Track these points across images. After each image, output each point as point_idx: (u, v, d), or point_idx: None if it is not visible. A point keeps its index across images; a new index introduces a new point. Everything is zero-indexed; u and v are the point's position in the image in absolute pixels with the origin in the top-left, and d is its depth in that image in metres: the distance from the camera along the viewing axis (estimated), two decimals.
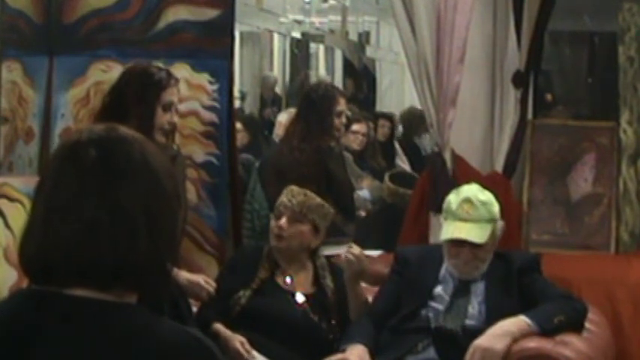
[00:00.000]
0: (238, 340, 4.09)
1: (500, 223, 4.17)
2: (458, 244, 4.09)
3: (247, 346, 4.09)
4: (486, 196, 4.17)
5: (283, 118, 7.86)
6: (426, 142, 9.30)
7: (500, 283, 4.12)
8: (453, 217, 4.11)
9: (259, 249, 4.46)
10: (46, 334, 1.68)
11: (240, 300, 4.25)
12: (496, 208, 4.15)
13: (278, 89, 13.17)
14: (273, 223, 4.36)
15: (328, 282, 4.34)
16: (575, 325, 4.04)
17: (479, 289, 4.13)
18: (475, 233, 4.07)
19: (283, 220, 4.30)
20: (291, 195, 4.37)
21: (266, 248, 4.40)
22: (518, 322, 3.93)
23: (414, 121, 9.19)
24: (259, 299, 4.24)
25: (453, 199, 4.16)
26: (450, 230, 4.11)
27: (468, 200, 4.12)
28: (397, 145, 9.07)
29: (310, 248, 4.37)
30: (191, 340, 1.71)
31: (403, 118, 9.77)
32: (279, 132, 7.65)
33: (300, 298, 4.28)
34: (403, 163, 8.75)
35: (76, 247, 1.68)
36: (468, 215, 4.09)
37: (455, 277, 4.15)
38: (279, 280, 4.32)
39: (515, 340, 3.89)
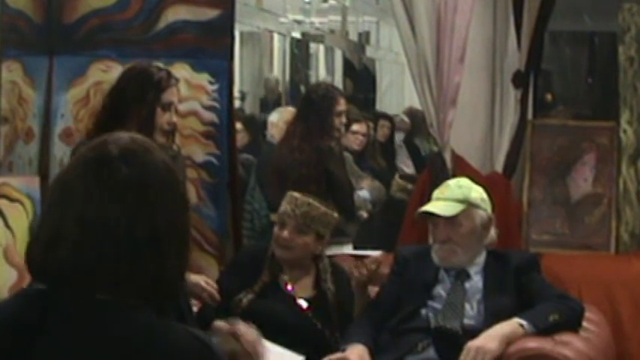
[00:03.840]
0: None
1: (482, 213, 4.14)
2: (435, 224, 4.16)
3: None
4: (468, 184, 4.21)
5: (275, 117, 7.85)
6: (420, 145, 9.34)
7: (498, 283, 4.12)
8: (431, 200, 4.23)
9: (263, 250, 4.41)
10: (48, 333, 1.69)
11: (241, 302, 4.23)
12: (476, 194, 4.15)
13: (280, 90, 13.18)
14: (276, 231, 4.31)
15: (329, 284, 4.32)
16: (572, 324, 4.04)
17: (474, 287, 4.13)
18: (442, 208, 4.13)
19: (286, 233, 4.26)
20: (295, 205, 4.30)
21: (270, 250, 4.37)
22: (513, 324, 3.94)
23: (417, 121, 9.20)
24: (261, 302, 4.22)
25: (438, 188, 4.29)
26: (423, 209, 4.21)
27: (446, 184, 4.25)
28: (404, 147, 9.08)
29: (314, 254, 4.36)
30: (192, 339, 1.72)
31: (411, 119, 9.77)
32: (272, 132, 7.65)
33: (302, 303, 4.26)
34: (407, 168, 8.75)
35: (114, 263, 1.70)
36: (442, 194, 4.19)
37: (451, 275, 4.15)
38: (282, 284, 4.30)
39: (510, 342, 3.89)
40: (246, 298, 4.23)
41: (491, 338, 3.87)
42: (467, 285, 4.13)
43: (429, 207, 4.19)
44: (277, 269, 4.30)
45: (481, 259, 4.18)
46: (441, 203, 4.16)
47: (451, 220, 4.11)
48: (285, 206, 4.32)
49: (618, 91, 5.24)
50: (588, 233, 5.16)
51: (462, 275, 4.15)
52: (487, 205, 4.18)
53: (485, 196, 4.20)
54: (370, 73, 15.33)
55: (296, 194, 4.36)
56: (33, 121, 4.99)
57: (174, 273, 1.76)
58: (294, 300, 4.26)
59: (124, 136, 1.80)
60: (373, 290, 4.41)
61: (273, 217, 5.03)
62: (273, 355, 4.03)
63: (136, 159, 1.75)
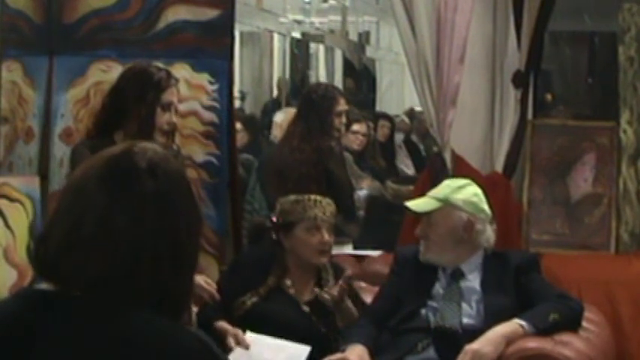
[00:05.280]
0: (232, 334, 4.06)
1: (462, 215, 4.11)
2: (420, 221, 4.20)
3: (240, 336, 4.06)
4: (461, 184, 4.19)
5: (279, 118, 7.86)
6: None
7: (497, 282, 4.12)
8: None
9: (267, 253, 4.36)
10: (47, 333, 1.68)
11: (244, 304, 4.21)
12: (461, 196, 4.13)
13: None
14: (313, 237, 4.24)
15: (330, 287, 4.30)
16: (571, 324, 4.04)
17: (470, 286, 4.12)
18: (418, 203, 4.20)
19: (327, 236, 4.25)
20: (322, 206, 4.29)
21: (279, 254, 4.31)
22: (512, 325, 3.93)
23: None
24: (264, 305, 4.20)
25: None
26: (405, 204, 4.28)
27: (441, 184, 4.29)
28: (404, 147, 9.08)
29: None
30: (193, 339, 1.72)
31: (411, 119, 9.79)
32: (276, 132, 7.66)
33: (305, 307, 4.24)
34: (407, 168, 8.74)
35: (131, 274, 1.71)
36: (430, 192, 4.23)
37: (447, 274, 4.15)
38: (285, 287, 4.28)
39: (509, 343, 3.89)
40: (250, 300, 4.21)
41: (488, 341, 3.87)
42: (462, 284, 4.13)
43: (409, 202, 4.24)
44: (283, 273, 4.29)
45: (475, 258, 4.17)
46: (421, 200, 4.22)
47: (428, 218, 4.14)
48: (314, 211, 4.27)
49: (618, 91, 5.24)
50: (588, 233, 5.16)
51: (457, 274, 4.15)
52: (473, 208, 4.13)
53: (475, 199, 4.15)
54: (370, 73, 15.34)
55: (317, 197, 4.32)
56: (33, 121, 4.99)
57: (187, 288, 1.78)
58: (298, 303, 4.24)
59: (148, 146, 1.81)
60: (373, 290, 4.41)
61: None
62: (276, 348, 4.03)
63: (161, 171, 1.77)
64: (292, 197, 4.36)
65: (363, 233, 5.94)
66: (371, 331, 4.11)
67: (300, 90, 11.83)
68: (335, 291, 4.17)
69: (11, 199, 4.31)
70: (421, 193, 4.92)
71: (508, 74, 5.20)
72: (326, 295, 4.17)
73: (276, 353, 4.02)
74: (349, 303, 4.22)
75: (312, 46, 14.82)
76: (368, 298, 4.36)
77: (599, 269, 4.94)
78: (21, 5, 5.01)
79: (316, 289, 4.24)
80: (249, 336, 4.08)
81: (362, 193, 6.78)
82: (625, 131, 5.17)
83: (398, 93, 16.27)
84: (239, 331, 4.08)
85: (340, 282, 4.19)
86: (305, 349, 4.02)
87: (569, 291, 4.36)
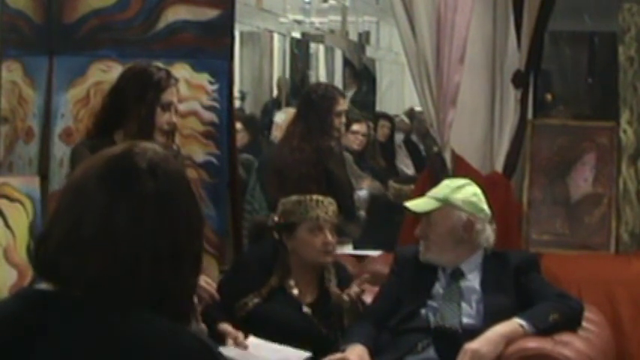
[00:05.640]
0: (232, 337, 4.06)
1: (462, 215, 4.12)
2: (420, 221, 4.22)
3: (240, 339, 4.05)
4: (460, 184, 4.19)
5: (279, 118, 7.87)
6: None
7: (497, 282, 4.12)
8: None
9: (270, 253, 4.35)
10: (48, 333, 1.69)
11: (246, 305, 4.21)
12: (460, 196, 4.14)
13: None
14: (317, 238, 4.23)
15: (333, 286, 4.30)
16: (571, 324, 4.04)
17: (470, 286, 4.12)
18: (417, 204, 4.21)
19: (330, 236, 4.25)
20: (324, 206, 4.27)
21: (281, 255, 4.31)
22: (512, 325, 3.93)
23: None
24: (267, 306, 4.20)
25: None
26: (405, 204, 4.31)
27: (441, 184, 4.28)
28: (404, 147, 9.08)
29: None
30: (192, 339, 1.72)
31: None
32: (276, 133, 7.66)
33: (307, 309, 4.24)
34: (407, 168, 8.74)
35: (131, 274, 1.71)
36: (430, 192, 4.23)
37: (446, 274, 4.16)
38: (288, 288, 4.27)
39: (509, 343, 3.89)
40: (251, 301, 4.21)
41: (487, 341, 3.87)
42: (462, 284, 4.13)
43: (409, 202, 4.25)
44: (285, 273, 4.28)
45: (475, 258, 4.17)
46: (421, 200, 4.23)
47: (428, 218, 4.14)
48: (316, 212, 4.26)
49: (618, 91, 5.24)
50: (588, 233, 5.16)
51: (457, 274, 4.15)
52: (472, 208, 4.14)
53: (475, 198, 4.16)
54: (370, 73, 15.33)
55: (318, 197, 4.32)
56: (33, 121, 4.99)
57: (189, 289, 1.78)
58: (300, 304, 4.23)
59: (148, 147, 1.81)
60: (373, 290, 4.41)
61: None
62: (276, 351, 4.03)
63: (161, 171, 1.77)
64: (294, 198, 4.35)
65: (365, 233, 5.94)
66: (371, 331, 4.11)
67: (300, 90, 11.80)
68: (353, 293, 4.17)
69: (11, 199, 4.31)
70: (421, 193, 4.93)
71: (508, 74, 5.20)
72: (345, 297, 4.18)
73: (272, 354, 4.02)
74: (361, 305, 4.24)
75: (312, 46, 14.81)
76: (368, 298, 4.36)
77: (599, 269, 4.94)
78: (21, 5, 5.01)
79: (335, 290, 4.24)
80: (251, 340, 4.08)
81: (362, 193, 6.78)
82: (625, 131, 5.18)
83: (398, 93, 16.26)
84: (240, 334, 4.08)
85: (356, 284, 4.20)
86: (304, 355, 4.02)
87: (569, 291, 4.36)
